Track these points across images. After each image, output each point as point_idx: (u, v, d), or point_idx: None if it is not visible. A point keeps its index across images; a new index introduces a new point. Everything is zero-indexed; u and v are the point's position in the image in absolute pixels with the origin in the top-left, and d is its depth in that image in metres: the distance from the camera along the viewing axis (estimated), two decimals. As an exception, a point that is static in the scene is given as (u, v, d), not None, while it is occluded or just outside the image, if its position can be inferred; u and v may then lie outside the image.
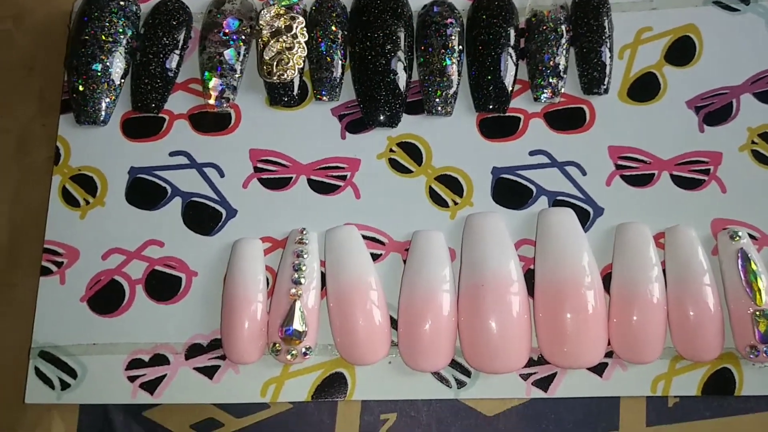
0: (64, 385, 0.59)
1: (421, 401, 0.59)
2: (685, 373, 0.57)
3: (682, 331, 0.57)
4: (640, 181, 0.61)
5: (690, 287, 0.57)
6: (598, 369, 0.57)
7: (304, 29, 0.63)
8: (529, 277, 0.59)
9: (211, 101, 0.63)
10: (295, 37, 0.63)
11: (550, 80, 0.62)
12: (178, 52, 0.65)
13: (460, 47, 0.63)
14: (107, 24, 0.64)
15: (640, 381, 0.57)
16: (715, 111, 0.62)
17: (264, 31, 0.63)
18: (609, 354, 0.57)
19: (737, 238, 0.58)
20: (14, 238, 0.64)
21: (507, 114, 0.63)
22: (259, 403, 0.59)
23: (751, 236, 0.59)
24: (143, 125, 0.64)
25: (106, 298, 0.60)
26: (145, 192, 0.63)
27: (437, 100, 0.62)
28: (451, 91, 0.62)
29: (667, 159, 0.61)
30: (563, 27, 0.63)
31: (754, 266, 0.57)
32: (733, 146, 0.61)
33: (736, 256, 0.57)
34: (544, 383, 0.57)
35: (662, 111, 0.63)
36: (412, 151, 0.63)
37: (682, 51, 0.64)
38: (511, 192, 0.61)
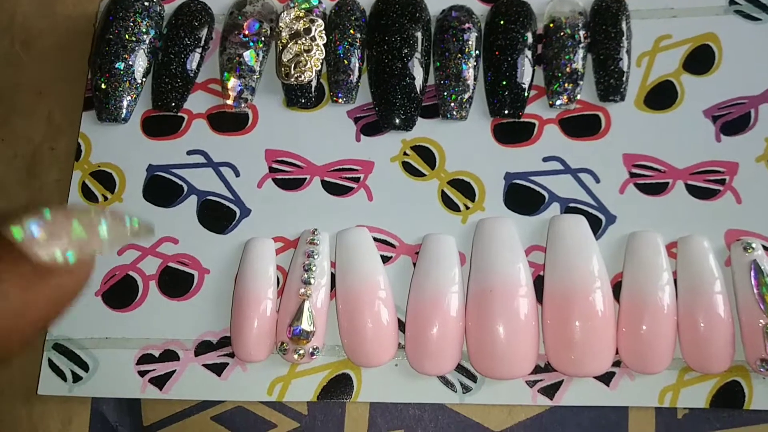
0: (76, 378, 0.60)
1: (428, 417, 0.59)
2: (693, 384, 0.57)
3: (691, 342, 0.56)
4: (654, 189, 0.61)
5: (701, 298, 0.56)
6: (606, 378, 0.57)
7: (323, 32, 0.64)
8: (539, 283, 0.58)
9: (230, 102, 0.64)
10: (313, 39, 0.63)
11: (566, 86, 0.62)
12: (199, 52, 0.65)
13: (477, 52, 0.63)
14: (131, 24, 0.65)
15: (648, 391, 0.57)
16: (732, 121, 0.62)
17: (283, 33, 0.64)
18: (617, 363, 0.57)
19: (750, 249, 0.57)
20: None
21: (522, 119, 0.63)
22: (266, 420, 0.59)
23: (765, 248, 0.58)
24: (163, 124, 0.65)
25: (121, 293, 0.61)
26: (161, 189, 0.64)
27: (452, 104, 0.62)
28: (467, 96, 0.62)
29: (683, 168, 0.61)
30: (581, 33, 0.63)
31: (767, 279, 0.56)
32: (750, 157, 0.61)
33: (749, 268, 0.57)
34: (550, 391, 0.57)
35: (679, 119, 0.62)
36: (425, 154, 0.63)
37: (700, 59, 0.63)
38: (523, 198, 0.61)
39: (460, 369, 0.58)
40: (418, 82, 0.63)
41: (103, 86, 0.64)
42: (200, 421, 0.60)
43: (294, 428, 0.59)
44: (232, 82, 0.64)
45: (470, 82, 0.62)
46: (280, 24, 0.64)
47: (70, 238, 0.41)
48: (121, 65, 0.64)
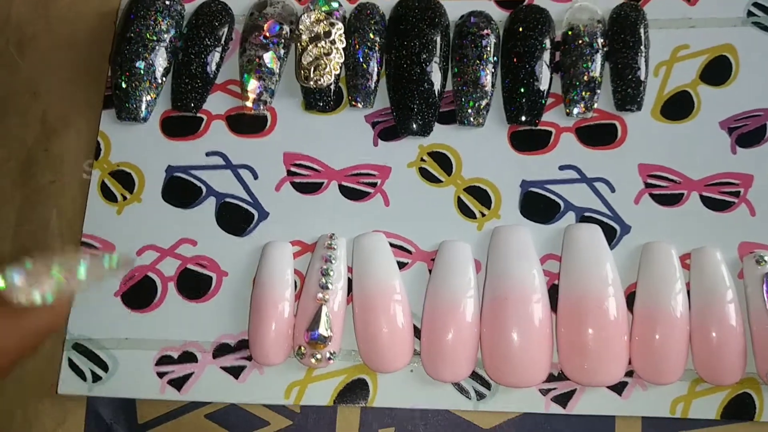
0: (96, 378, 0.60)
1: (419, 416, 0.60)
2: (705, 396, 0.57)
3: (703, 353, 0.57)
4: (669, 200, 0.61)
5: (714, 310, 0.57)
6: (618, 387, 0.58)
7: (343, 36, 0.64)
8: (553, 292, 0.59)
9: (249, 103, 0.65)
10: (333, 43, 0.64)
11: (584, 95, 0.62)
12: (219, 52, 0.66)
13: (495, 58, 0.64)
14: (152, 23, 0.65)
15: (660, 402, 0.58)
16: (748, 133, 0.62)
17: (303, 36, 0.64)
18: (629, 373, 0.58)
19: (763, 263, 0.58)
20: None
21: (539, 127, 0.63)
22: (259, 419, 0.60)
23: (778, 261, 0.59)
24: (182, 124, 0.66)
25: (140, 293, 0.62)
26: (180, 190, 0.64)
27: (470, 110, 0.63)
28: (484, 103, 0.63)
29: (698, 179, 0.61)
30: (599, 41, 0.63)
31: (779, 292, 0.57)
32: (765, 169, 0.61)
33: (762, 281, 0.57)
34: (563, 399, 0.58)
35: (695, 130, 0.62)
36: (442, 161, 0.63)
37: (718, 70, 0.64)
38: (538, 206, 0.62)
39: (475, 376, 0.59)
40: (436, 88, 0.63)
41: (123, 85, 0.65)
42: (194, 419, 0.61)
43: (287, 426, 0.60)
44: (252, 84, 0.64)
45: (488, 88, 0.63)
46: (300, 27, 0.64)
47: (49, 283, 0.45)
48: (141, 64, 0.65)
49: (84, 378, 0.60)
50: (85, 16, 0.71)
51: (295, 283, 0.61)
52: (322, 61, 0.63)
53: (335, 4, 0.66)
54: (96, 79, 0.69)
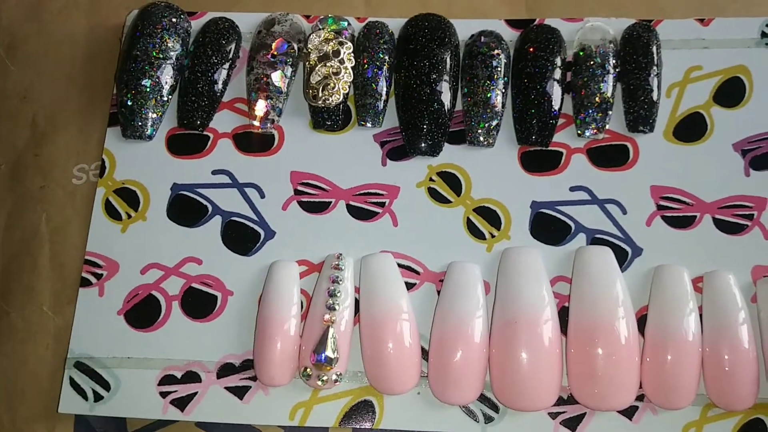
0: (97, 397, 0.59)
1: None
2: (717, 421, 0.56)
3: (716, 378, 0.56)
4: (682, 222, 0.60)
5: (726, 334, 0.56)
6: (629, 412, 0.57)
7: (352, 55, 0.64)
8: (564, 314, 0.58)
9: (256, 122, 0.64)
10: (342, 62, 0.63)
11: (595, 116, 0.62)
12: (225, 70, 0.65)
13: (505, 79, 0.63)
14: (158, 40, 0.65)
15: (671, 426, 0.57)
16: (762, 155, 0.61)
17: (312, 55, 0.63)
18: (640, 397, 0.57)
19: (777, 287, 0.57)
20: (6, 266, 0.65)
21: (549, 148, 0.63)
22: (250, 426, 0.59)
23: (792, 285, 0.58)
24: (188, 142, 0.65)
25: (143, 312, 0.61)
26: (186, 209, 0.63)
27: (480, 131, 0.62)
28: (494, 123, 0.62)
29: (710, 202, 0.61)
30: (611, 62, 0.62)
31: (792, 318, 0.56)
32: (779, 192, 0.61)
33: (776, 306, 0.57)
34: (572, 423, 0.57)
35: (708, 152, 0.62)
36: (451, 181, 0.63)
37: (731, 92, 0.63)
38: (549, 227, 0.61)
39: (483, 399, 0.58)
40: (446, 108, 0.62)
41: (129, 103, 0.64)
42: (185, 427, 0.60)
43: None
44: (259, 103, 0.64)
45: (498, 109, 0.62)
46: (309, 46, 0.64)
47: None
48: (147, 82, 0.64)
49: (85, 397, 0.59)
50: (77, 21, 0.71)
51: (302, 303, 0.60)
52: (331, 81, 0.63)
53: (344, 23, 0.65)
54: (88, 84, 0.68)
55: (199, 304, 0.61)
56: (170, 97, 0.65)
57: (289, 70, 0.64)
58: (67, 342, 0.61)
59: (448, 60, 0.63)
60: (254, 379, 0.59)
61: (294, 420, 0.58)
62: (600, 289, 0.57)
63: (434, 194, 0.62)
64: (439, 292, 0.60)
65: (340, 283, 0.58)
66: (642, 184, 0.62)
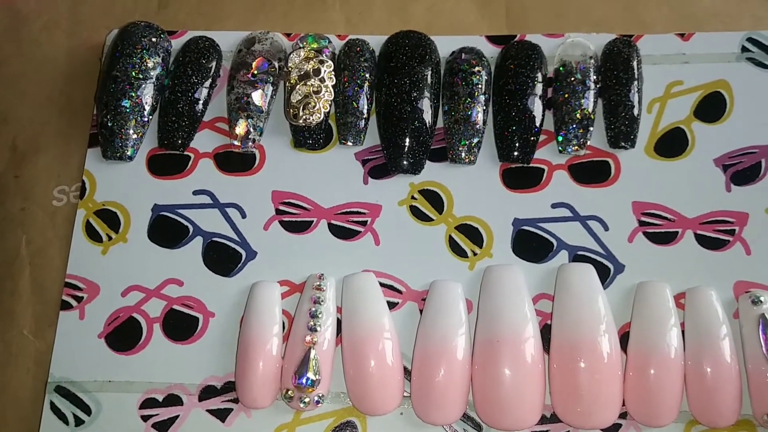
0: (79, 422, 0.59)
1: None
2: (700, 439, 0.57)
3: (698, 394, 0.56)
4: (663, 239, 0.60)
5: (708, 350, 0.56)
6: (612, 430, 0.56)
7: (332, 73, 0.63)
8: (546, 332, 0.58)
9: (237, 142, 0.64)
10: (322, 81, 0.63)
11: (577, 132, 0.62)
12: (206, 90, 0.65)
13: (486, 95, 0.63)
14: (138, 60, 0.64)
15: (655, 444, 0.57)
16: (743, 170, 0.61)
17: (292, 74, 0.63)
18: (623, 415, 0.57)
19: (759, 302, 0.57)
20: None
21: (531, 165, 0.63)
22: None
23: (774, 300, 0.58)
24: (169, 162, 0.65)
25: (124, 335, 0.61)
26: (167, 230, 0.63)
27: (461, 148, 0.62)
28: (476, 140, 0.62)
29: (692, 217, 0.61)
30: (592, 78, 0.62)
31: (775, 334, 0.56)
32: (760, 207, 0.60)
33: (757, 322, 0.56)
34: (556, 442, 0.57)
35: (689, 168, 0.62)
36: (433, 198, 0.62)
37: (712, 107, 0.63)
38: (531, 244, 0.61)
39: (466, 418, 0.58)
40: (427, 125, 0.62)
41: (109, 124, 0.64)
42: None
43: None
44: (240, 122, 0.64)
45: (479, 126, 0.62)
46: (289, 64, 0.63)
47: None
48: (127, 103, 0.64)
49: (66, 422, 0.59)
50: (57, 42, 0.71)
51: (284, 323, 0.60)
52: (312, 100, 0.63)
53: (324, 42, 0.65)
54: (68, 105, 0.68)
55: (181, 326, 0.61)
56: (151, 117, 0.65)
57: (269, 89, 0.64)
58: (47, 366, 0.60)
59: (429, 77, 0.63)
60: (236, 401, 0.58)
61: (277, 442, 0.58)
62: (582, 307, 0.57)
63: (416, 212, 0.62)
64: (421, 311, 0.59)
65: (322, 303, 0.58)
66: (624, 201, 0.61)
